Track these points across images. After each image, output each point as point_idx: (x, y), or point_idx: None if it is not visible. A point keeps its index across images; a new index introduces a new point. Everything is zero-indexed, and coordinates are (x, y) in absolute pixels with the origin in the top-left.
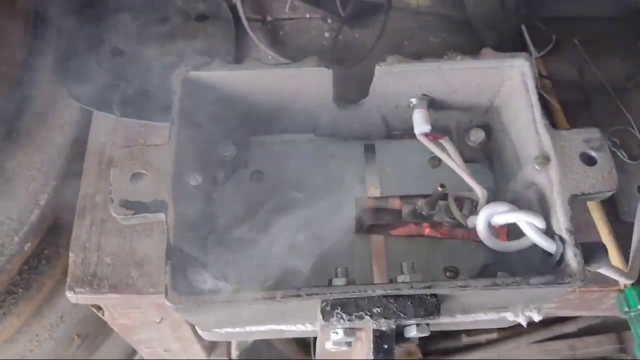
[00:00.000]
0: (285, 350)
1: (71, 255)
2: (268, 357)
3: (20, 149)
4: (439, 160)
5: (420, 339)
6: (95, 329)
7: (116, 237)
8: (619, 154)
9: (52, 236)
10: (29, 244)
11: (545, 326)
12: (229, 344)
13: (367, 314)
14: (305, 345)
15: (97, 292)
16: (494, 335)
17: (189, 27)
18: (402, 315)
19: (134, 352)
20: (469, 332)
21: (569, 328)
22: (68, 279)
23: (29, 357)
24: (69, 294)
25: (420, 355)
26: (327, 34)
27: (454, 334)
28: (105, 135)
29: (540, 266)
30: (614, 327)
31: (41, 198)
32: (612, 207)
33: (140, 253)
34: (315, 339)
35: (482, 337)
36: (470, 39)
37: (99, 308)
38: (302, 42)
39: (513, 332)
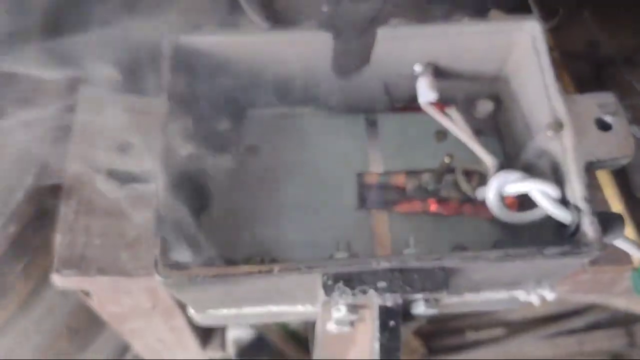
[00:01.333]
0: (283, 348)
1: (58, 236)
2: (266, 356)
3: (3, 128)
4: (445, 133)
5: (424, 335)
6: (86, 322)
7: (104, 218)
8: (633, 130)
9: (39, 224)
10: (13, 227)
11: (552, 321)
12: (223, 337)
13: (371, 288)
14: (304, 343)
15: (85, 275)
16: (499, 331)
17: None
18: (408, 288)
19: (127, 348)
20: (473, 329)
21: (577, 323)
22: (54, 261)
23: (17, 350)
24: (56, 277)
25: (424, 351)
26: (325, 8)
27: (459, 331)
28: (92, 112)
29: (554, 240)
30: (623, 322)
31: (26, 178)
32: (625, 183)
33: (130, 234)
34: (312, 330)
35: (487, 334)
36: (475, 11)
37: (87, 293)
38: (298, 14)
39: (519, 327)
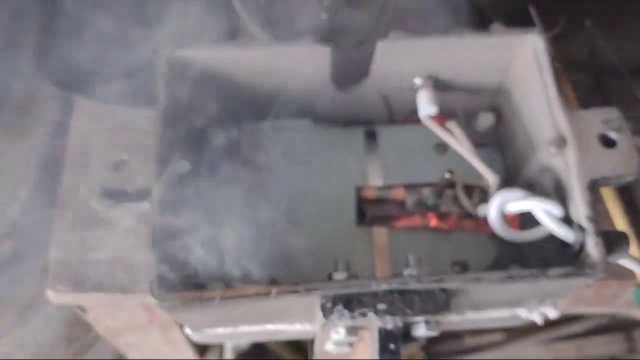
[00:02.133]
0: (282, 355)
1: (52, 251)
2: None
3: None
4: (446, 146)
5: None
6: (82, 333)
7: (100, 233)
8: (634, 140)
9: (35, 233)
10: (8, 242)
11: (552, 326)
12: (221, 347)
13: (371, 311)
14: (303, 348)
15: (80, 291)
16: (499, 337)
17: (177, 8)
18: (409, 311)
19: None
20: (473, 334)
21: (577, 328)
22: (49, 277)
23: None
24: (50, 294)
25: (422, 357)
26: (323, 16)
27: (458, 336)
28: (89, 123)
29: (557, 259)
30: (623, 327)
31: (21, 192)
32: (628, 197)
33: (126, 249)
34: (312, 341)
35: (487, 339)
36: (476, 20)
37: (83, 309)
38: (296, 23)
39: (518, 332)
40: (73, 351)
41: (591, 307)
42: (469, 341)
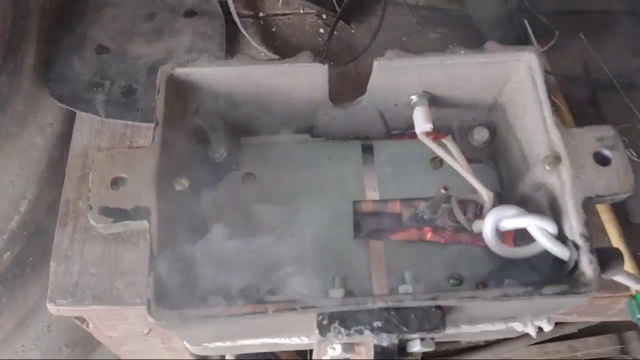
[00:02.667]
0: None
1: (52, 264)
2: None
3: None
4: (441, 161)
5: None
6: (84, 338)
7: (100, 245)
8: (628, 153)
9: (37, 243)
10: (8, 253)
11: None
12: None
13: (367, 328)
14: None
15: (80, 304)
16: (492, 337)
17: (177, 23)
18: (405, 329)
19: None
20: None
21: (569, 329)
22: (49, 290)
23: None
24: (50, 306)
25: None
26: (322, 30)
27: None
28: (88, 137)
29: (551, 274)
30: (615, 328)
31: (21, 204)
32: (621, 209)
33: (125, 262)
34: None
35: (481, 339)
36: (471, 35)
37: (83, 320)
38: (296, 39)
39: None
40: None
41: (584, 316)
42: (464, 341)
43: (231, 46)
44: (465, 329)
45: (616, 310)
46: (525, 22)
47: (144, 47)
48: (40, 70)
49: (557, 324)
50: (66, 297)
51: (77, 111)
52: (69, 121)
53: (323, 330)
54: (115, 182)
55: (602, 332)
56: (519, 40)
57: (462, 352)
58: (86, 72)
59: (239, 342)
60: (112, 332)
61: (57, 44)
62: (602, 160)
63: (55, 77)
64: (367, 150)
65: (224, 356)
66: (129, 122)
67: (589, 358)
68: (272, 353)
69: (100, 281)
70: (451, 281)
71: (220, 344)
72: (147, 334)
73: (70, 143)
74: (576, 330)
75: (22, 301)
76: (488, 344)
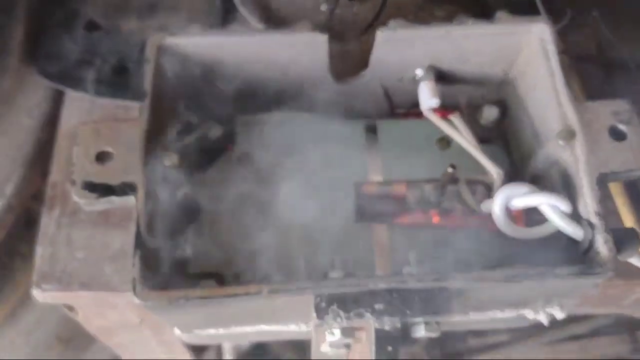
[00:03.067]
0: (283, 355)
1: (38, 248)
2: None
3: None
4: (449, 141)
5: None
6: (77, 332)
7: (88, 229)
8: None
9: (26, 231)
10: None
11: (555, 327)
12: (219, 348)
13: (367, 311)
14: (305, 350)
15: (67, 290)
16: (502, 337)
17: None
18: (408, 312)
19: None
20: (476, 334)
21: (581, 329)
22: (34, 275)
23: None
24: (36, 292)
25: (425, 357)
26: (323, 8)
27: (461, 335)
28: (78, 117)
29: (564, 257)
30: (627, 328)
31: (6, 187)
32: (637, 193)
33: (115, 247)
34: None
35: (490, 339)
36: (481, 13)
37: (72, 308)
38: (296, 16)
39: (523, 333)
40: (68, 352)
41: (597, 307)
42: (473, 342)
43: (227, 24)
44: (474, 316)
45: (631, 301)
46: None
47: (137, 24)
48: (28, 48)
49: (568, 321)
50: (52, 282)
51: (66, 90)
52: (58, 101)
53: (321, 312)
54: (101, 157)
55: (614, 332)
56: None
57: (472, 352)
58: (76, 50)
59: (233, 330)
60: (102, 321)
61: (46, 21)
62: (617, 135)
63: (44, 55)
64: (371, 130)
65: (221, 357)
66: (121, 102)
67: (601, 358)
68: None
69: (88, 266)
70: (458, 266)
71: (213, 331)
72: (139, 324)
73: (59, 123)
74: (588, 331)
75: (10, 292)
76: (497, 344)
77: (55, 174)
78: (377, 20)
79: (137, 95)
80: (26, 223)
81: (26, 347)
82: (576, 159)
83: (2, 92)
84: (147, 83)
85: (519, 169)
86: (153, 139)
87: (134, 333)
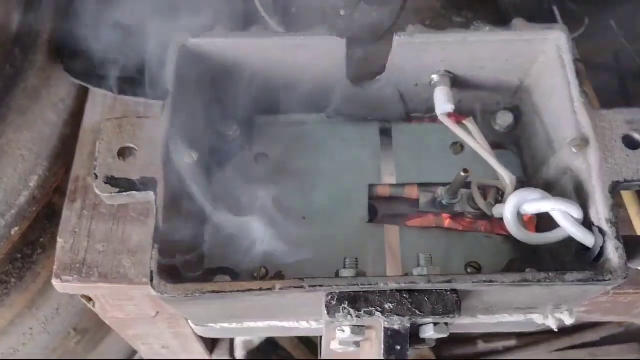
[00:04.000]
0: (293, 352)
1: (60, 240)
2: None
3: (10, 126)
4: (462, 146)
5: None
6: (93, 323)
7: (109, 223)
8: None
9: (48, 223)
10: (16, 229)
11: (565, 334)
12: (231, 343)
13: (377, 310)
14: (315, 347)
15: (86, 281)
16: (512, 343)
17: (195, 0)
18: (417, 312)
19: (135, 351)
20: (485, 339)
21: (591, 337)
22: (55, 266)
23: (22, 350)
24: (56, 282)
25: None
26: (342, 12)
27: (470, 340)
28: (101, 114)
29: (574, 263)
30: (637, 336)
31: (31, 179)
32: None
33: (134, 240)
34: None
35: (500, 344)
36: (498, 20)
37: (90, 299)
38: (315, 20)
39: (532, 339)
40: (85, 342)
41: (607, 315)
42: (482, 346)
43: (248, 27)
44: (482, 319)
45: None
46: (554, 8)
47: (161, 24)
48: (54, 45)
49: (578, 328)
50: (72, 273)
51: (90, 87)
52: (82, 97)
53: (332, 310)
54: (123, 152)
55: (624, 341)
56: None
57: (481, 356)
58: (101, 48)
59: (245, 324)
60: (118, 312)
61: (72, 19)
62: (631, 144)
63: (70, 53)
64: (385, 133)
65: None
66: (142, 100)
67: None
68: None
69: (107, 259)
70: (469, 270)
71: (226, 325)
72: (155, 317)
73: (82, 119)
74: (598, 339)
75: (31, 282)
76: (507, 349)
77: (78, 168)
78: (395, 25)
79: (159, 95)
80: (48, 216)
81: (44, 335)
82: (589, 166)
83: (28, 88)
84: (169, 82)
85: (532, 175)
86: (174, 136)
87: (149, 325)
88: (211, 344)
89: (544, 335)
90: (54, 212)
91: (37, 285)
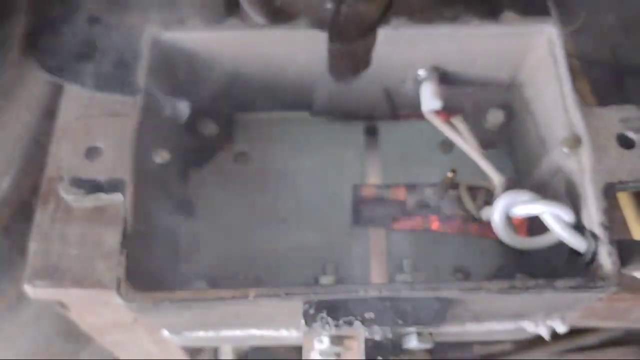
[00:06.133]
0: (285, 355)
1: (32, 244)
2: None
3: None
4: (451, 144)
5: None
6: (76, 328)
7: (82, 226)
8: None
9: (26, 225)
10: None
11: (564, 337)
12: (215, 348)
13: (357, 319)
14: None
15: (59, 286)
16: (508, 346)
17: None
18: (400, 322)
19: None
20: (482, 342)
21: (590, 340)
22: (27, 271)
23: (2, 356)
24: (27, 288)
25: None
26: (328, 5)
27: (465, 344)
28: (76, 111)
29: (566, 268)
30: (637, 339)
31: (3, 180)
32: None
33: (108, 244)
34: None
35: (496, 348)
36: (490, 13)
37: (64, 305)
38: (300, 12)
39: (529, 342)
40: (68, 346)
41: (604, 321)
42: (478, 349)
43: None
44: (470, 327)
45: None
46: (550, 1)
47: (139, 18)
48: (28, 41)
49: (577, 332)
50: (45, 278)
51: (65, 85)
52: (57, 95)
53: (309, 319)
54: (90, 152)
55: (624, 343)
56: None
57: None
58: (76, 43)
59: (223, 333)
60: (95, 318)
61: (47, 13)
62: (626, 143)
63: (44, 48)
64: (371, 131)
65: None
66: (119, 97)
67: None
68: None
69: (80, 263)
70: (457, 275)
71: (202, 333)
72: (133, 323)
73: (56, 118)
74: (598, 341)
75: (9, 286)
76: (503, 353)
77: (52, 169)
78: (384, 19)
79: (137, 92)
80: (25, 217)
81: (25, 341)
82: (581, 167)
83: (1, 86)
84: (141, 78)
85: (522, 175)
86: (144, 135)
87: (127, 332)
88: (194, 350)
89: (542, 338)
90: (32, 213)
91: (16, 289)
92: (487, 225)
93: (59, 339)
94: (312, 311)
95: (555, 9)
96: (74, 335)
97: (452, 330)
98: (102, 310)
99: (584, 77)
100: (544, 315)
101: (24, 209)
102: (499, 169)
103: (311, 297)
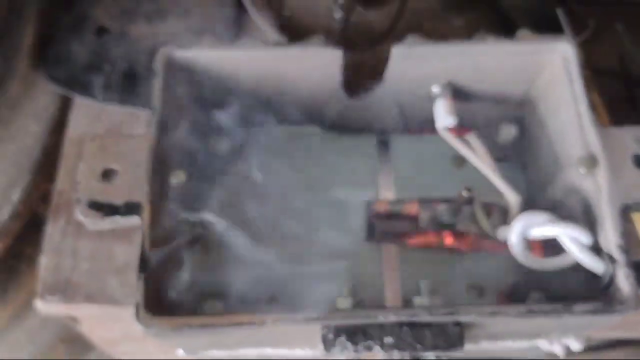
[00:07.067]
0: None
1: (43, 259)
2: None
3: None
4: (464, 159)
5: None
6: (81, 335)
7: (95, 241)
8: None
9: (33, 234)
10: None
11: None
12: None
13: (376, 344)
14: None
15: (71, 302)
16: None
17: (183, 3)
18: (418, 346)
19: None
20: None
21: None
22: (39, 286)
23: None
24: (39, 304)
25: None
26: (338, 14)
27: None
28: (86, 123)
29: (583, 288)
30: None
31: (13, 193)
32: None
33: (120, 259)
34: None
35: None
36: (499, 22)
37: (75, 319)
38: (309, 24)
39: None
40: (72, 353)
41: (614, 331)
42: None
43: (240, 30)
44: (485, 345)
45: None
46: (559, 10)
47: (147, 29)
48: (37, 52)
49: (602, 348)
50: (56, 294)
51: (74, 96)
52: (66, 107)
53: (328, 344)
54: (106, 174)
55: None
56: (551, 29)
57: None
58: (85, 55)
59: (237, 352)
60: (105, 332)
61: (55, 24)
62: None
63: (52, 60)
64: (383, 145)
65: None
66: (129, 109)
67: None
68: None
69: (92, 278)
70: (470, 292)
71: (217, 352)
72: (144, 336)
73: (66, 130)
74: (624, 358)
75: (16, 294)
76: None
77: (62, 182)
78: (394, 28)
79: (146, 103)
80: (33, 225)
81: (30, 347)
82: (598, 188)
83: (10, 97)
84: (156, 98)
85: (536, 191)
86: (160, 156)
87: (137, 344)
88: None
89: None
90: (40, 221)
91: (22, 297)
92: (500, 242)
93: (62, 345)
94: (330, 336)
95: (564, 18)
96: (76, 342)
97: (468, 348)
98: (113, 325)
99: (595, 90)
100: (559, 335)
101: (33, 217)
102: (512, 184)
103: (330, 322)
